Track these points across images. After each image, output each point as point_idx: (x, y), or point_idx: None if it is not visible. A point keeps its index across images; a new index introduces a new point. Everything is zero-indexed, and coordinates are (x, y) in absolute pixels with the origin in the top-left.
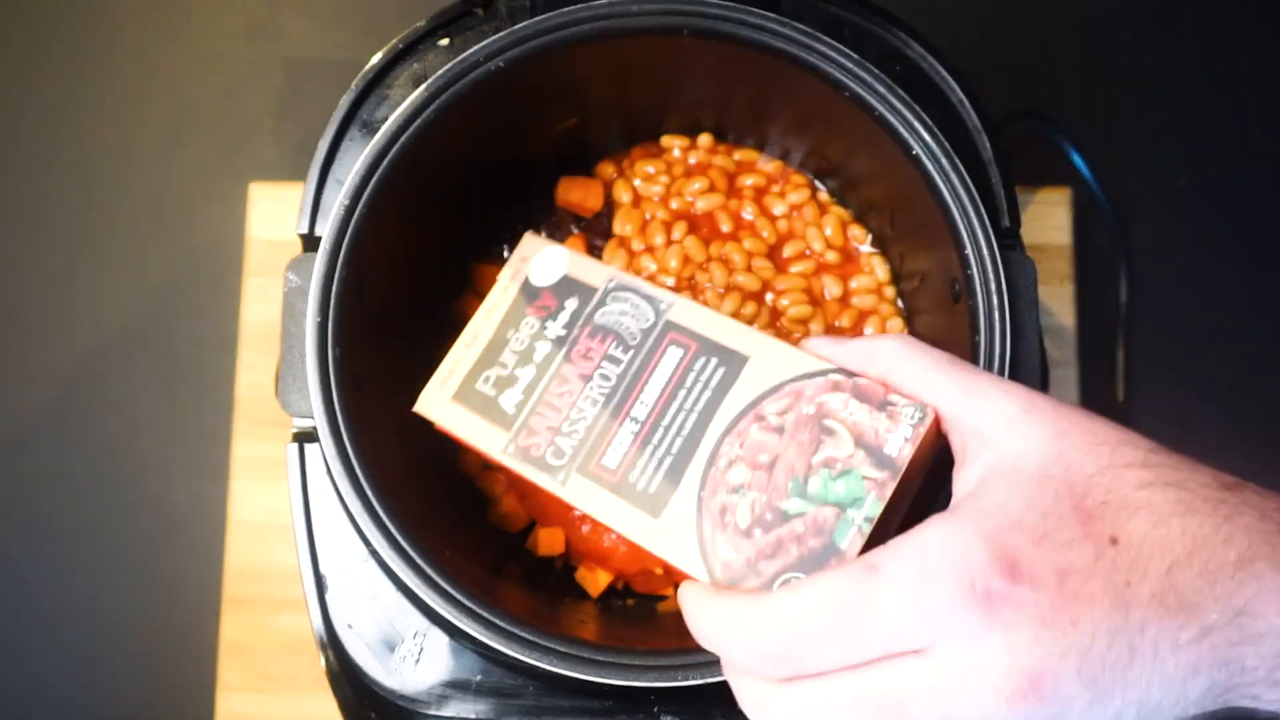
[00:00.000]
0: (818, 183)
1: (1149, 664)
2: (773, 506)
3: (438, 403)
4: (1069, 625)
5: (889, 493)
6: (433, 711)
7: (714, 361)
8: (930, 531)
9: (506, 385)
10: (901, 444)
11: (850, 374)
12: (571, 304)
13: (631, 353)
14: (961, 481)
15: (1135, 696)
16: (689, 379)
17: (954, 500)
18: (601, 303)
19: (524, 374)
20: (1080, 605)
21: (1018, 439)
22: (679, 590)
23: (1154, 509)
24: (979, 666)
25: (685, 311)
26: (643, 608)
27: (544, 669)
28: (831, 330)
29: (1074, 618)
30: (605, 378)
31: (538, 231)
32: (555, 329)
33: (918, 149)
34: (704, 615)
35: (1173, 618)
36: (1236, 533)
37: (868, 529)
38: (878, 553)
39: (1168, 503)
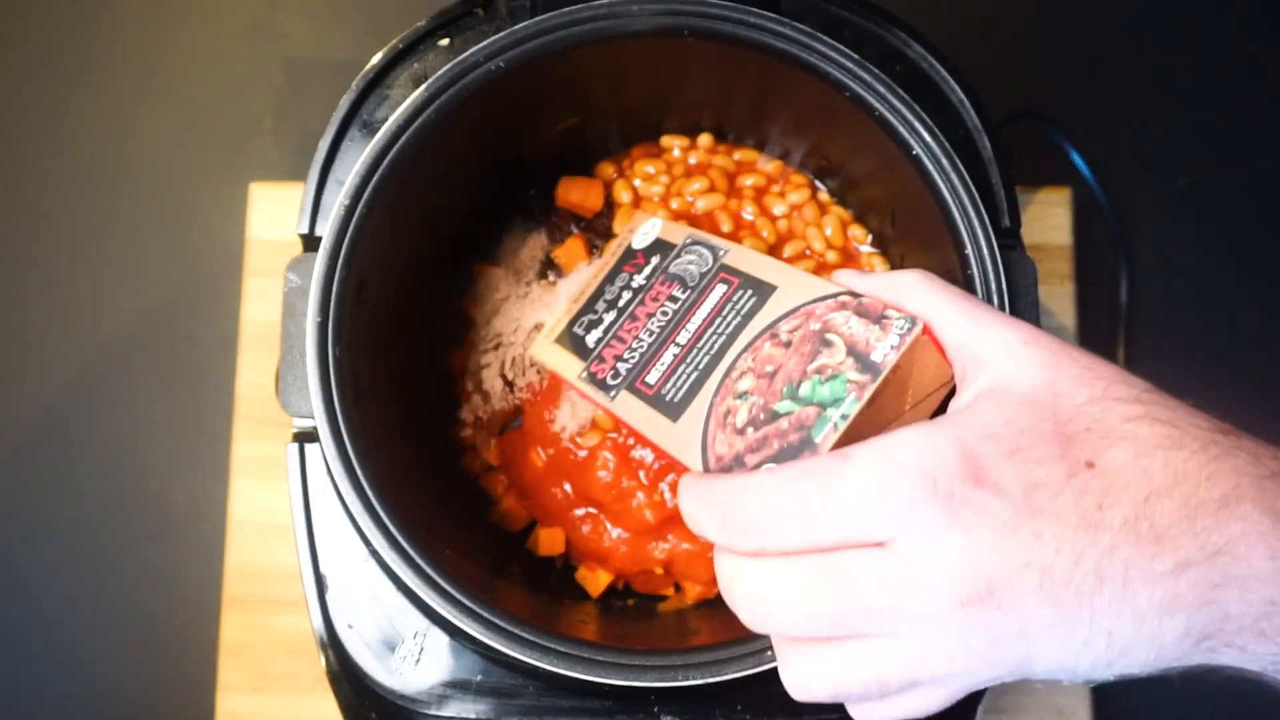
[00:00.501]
0: (818, 183)
1: (1118, 592)
2: (766, 408)
3: (544, 346)
4: (1031, 536)
5: (867, 394)
6: (433, 711)
7: (748, 292)
8: (905, 433)
9: (594, 327)
10: (887, 350)
11: (858, 295)
12: (655, 259)
13: (689, 292)
14: (955, 403)
15: (1104, 626)
16: (726, 308)
17: None
18: (677, 255)
19: (608, 317)
20: (1045, 519)
21: (1014, 366)
22: (679, 480)
23: (1138, 440)
24: (937, 566)
25: (738, 255)
26: (643, 608)
27: (544, 669)
28: None
29: (1037, 530)
30: (665, 313)
31: (538, 231)
32: (639, 280)
33: (918, 149)
34: (688, 493)
35: (1145, 546)
36: (1223, 472)
37: (843, 425)
38: (854, 447)
39: (1154, 436)
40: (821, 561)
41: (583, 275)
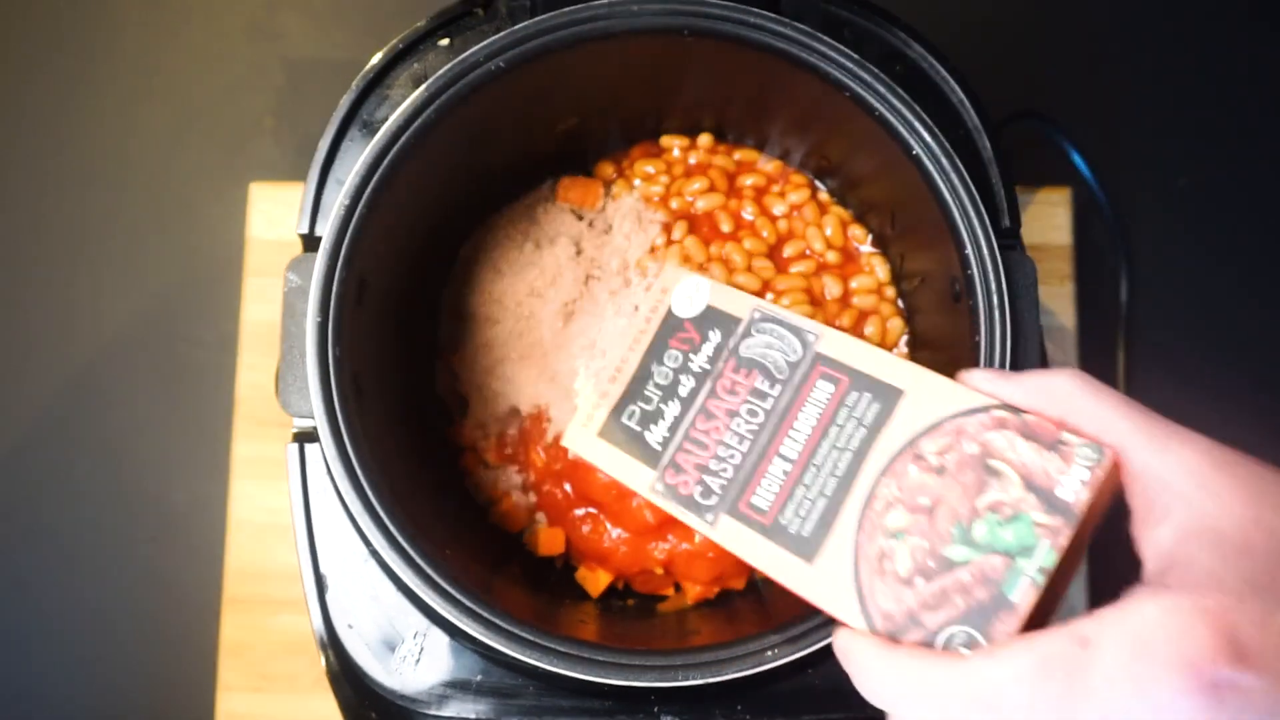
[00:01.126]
0: (818, 183)
1: None
2: (935, 553)
3: (583, 438)
4: None
5: (1064, 541)
6: (433, 711)
7: (867, 397)
8: (1145, 606)
9: (651, 420)
10: (1078, 488)
11: (1016, 410)
12: (715, 336)
13: (779, 387)
14: (1153, 543)
15: None
16: (841, 415)
17: (1152, 565)
18: (746, 334)
19: (669, 409)
20: None
21: (1212, 498)
22: (836, 638)
23: None
24: None
25: (835, 343)
26: (643, 608)
27: (544, 669)
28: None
29: None
30: (753, 413)
31: (538, 230)
32: (699, 362)
33: (918, 149)
34: (879, 671)
35: None
36: None
37: (1041, 581)
38: (1085, 624)
39: None
40: None
41: (605, 333)
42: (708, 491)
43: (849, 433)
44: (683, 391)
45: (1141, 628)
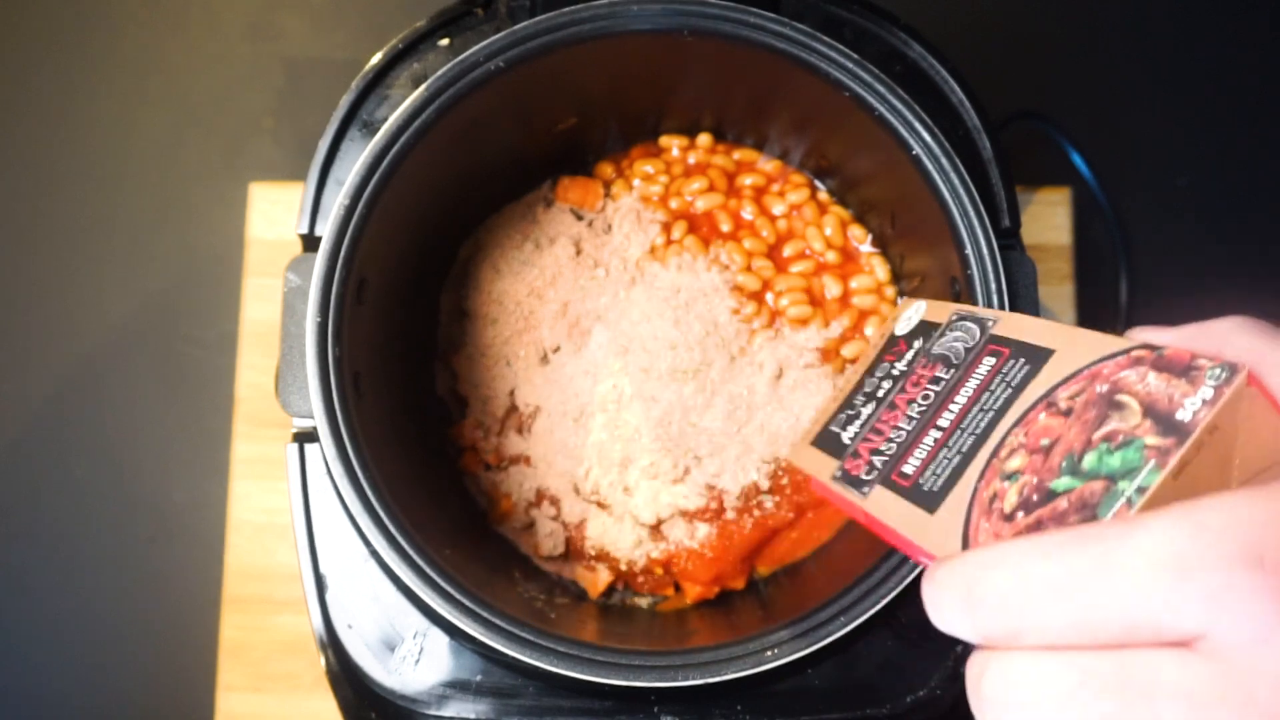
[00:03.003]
0: (817, 182)
1: None
2: (1040, 487)
3: (801, 448)
4: None
5: (1172, 461)
6: (433, 711)
7: (1021, 361)
8: (1217, 497)
9: (850, 421)
10: (1198, 406)
11: (1156, 348)
12: (917, 343)
13: (952, 370)
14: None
15: None
16: (995, 382)
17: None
18: (941, 335)
19: (865, 410)
20: None
21: None
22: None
23: None
24: (1267, 677)
25: (1010, 323)
26: (643, 608)
27: (544, 669)
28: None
29: None
30: (926, 397)
31: (537, 230)
32: (900, 366)
33: (918, 149)
34: (927, 577)
35: None
36: None
37: (1138, 500)
38: (1144, 513)
39: None
40: (1099, 661)
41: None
42: (871, 468)
43: (996, 395)
44: (880, 393)
45: (1205, 509)
